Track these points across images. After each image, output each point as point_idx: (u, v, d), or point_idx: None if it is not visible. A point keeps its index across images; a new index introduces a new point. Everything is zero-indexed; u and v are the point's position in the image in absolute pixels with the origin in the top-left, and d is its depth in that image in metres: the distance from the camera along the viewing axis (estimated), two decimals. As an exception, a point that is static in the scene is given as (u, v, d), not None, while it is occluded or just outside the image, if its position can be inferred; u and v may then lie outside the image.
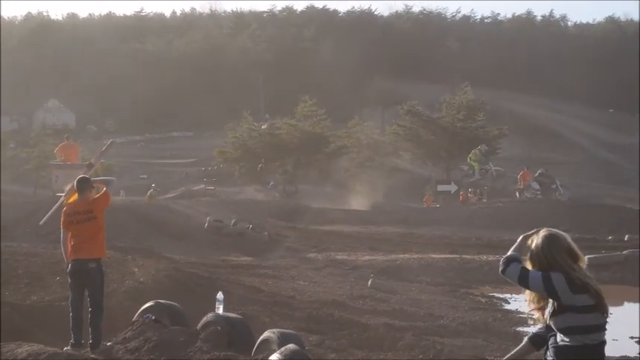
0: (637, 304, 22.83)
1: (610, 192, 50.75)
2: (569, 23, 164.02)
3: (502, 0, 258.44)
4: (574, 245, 6.10)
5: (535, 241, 6.18)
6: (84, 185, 12.61)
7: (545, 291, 5.99)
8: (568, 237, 6.15)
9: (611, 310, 6.18)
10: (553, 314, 6.03)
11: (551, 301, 6.05)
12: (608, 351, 6.13)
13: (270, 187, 57.75)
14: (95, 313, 12.22)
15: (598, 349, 5.98)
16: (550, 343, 6.10)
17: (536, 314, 6.25)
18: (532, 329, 6.64)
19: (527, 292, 6.21)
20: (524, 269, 6.10)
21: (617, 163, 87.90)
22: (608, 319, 6.03)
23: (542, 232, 6.17)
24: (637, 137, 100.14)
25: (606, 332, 6.01)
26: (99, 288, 12.40)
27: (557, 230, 6.20)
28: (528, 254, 6.18)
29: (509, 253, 6.28)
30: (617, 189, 52.22)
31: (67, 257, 12.47)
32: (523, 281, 6.08)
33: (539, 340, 6.33)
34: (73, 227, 12.35)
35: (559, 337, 6.01)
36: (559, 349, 6.00)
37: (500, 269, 6.23)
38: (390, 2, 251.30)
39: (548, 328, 6.17)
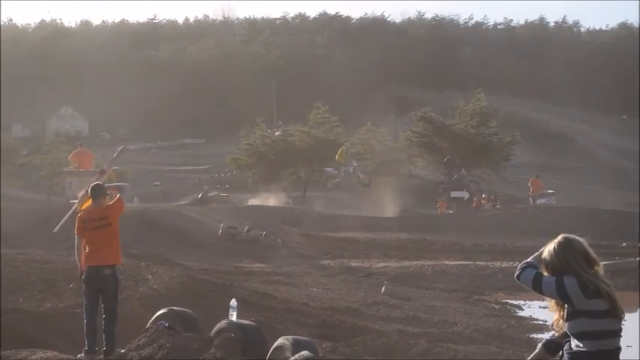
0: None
1: (623, 198, 50.61)
2: (582, 29, 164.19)
3: (516, 1, 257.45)
4: (590, 250, 6.08)
5: (549, 246, 6.18)
6: (98, 192, 12.62)
7: (558, 296, 5.98)
8: (584, 242, 6.13)
9: (626, 316, 6.16)
10: (567, 319, 6.01)
11: (565, 305, 6.04)
12: (624, 358, 6.11)
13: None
14: (109, 319, 12.24)
15: (613, 355, 5.95)
16: (565, 349, 6.08)
17: (559, 325, 6.22)
18: (546, 335, 6.62)
19: (550, 300, 6.19)
20: (539, 274, 6.09)
21: (630, 169, 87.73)
22: (623, 325, 6.00)
23: (558, 238, 6.17)
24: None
25: (621, 338, 5.98)
26: (113, 295, 12.41)
27: (573, 235, 6.19)
28: (544, 256, 6.18)
29: (528, 259, 6.28)
30: (631, 195, 52.07)
31: (80, 264, 12.50)
32: (537, 286, 6.07)
33: (553, 347, 6.31)
34: (87, 234, 12.37)
35: (574, 342, 5.99)
36: (574, 355, 5.98)
37: (516, 274, 6.23)
38: (402, 8, 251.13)
39: (563, 334, 6.16)
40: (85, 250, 12.40)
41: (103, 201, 12.66)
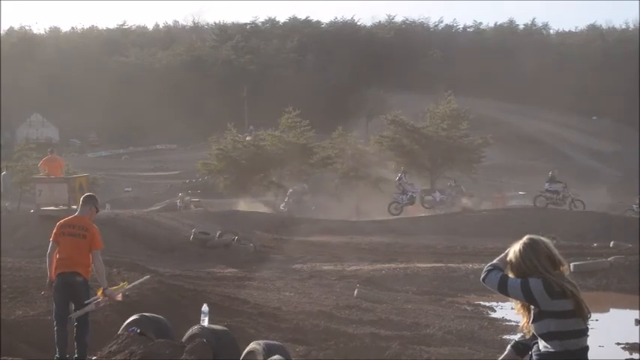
0: (622, 311, 22.92)
1: (594, 199, 50.86)
2: (551, 31, 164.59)
3: (488, 0, 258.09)
4: (555, 251, 6.11)
5: (514, 247, 6.20)
6: (88, 200, 12.72)
7: (524, 297, 6.01)
8: (550, 243, 6.15)
9: (597, 316, 6.22)
10: (534, 320, 6.04)
11: (531, 307, 6.07)
12: (596, 357, 6.13)
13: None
14: (80, 327, 12.20)
15: (580, 355, 5.98)
16: (533, 350, 6.11)
17: (528, 327, 6.24)
18: (517, 336, 6.64)
19: (516, 303, 6.22)
20: (504, 276, 6.12)
21: (601, 170, 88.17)
22: (589, 325, 6.02)
23: (523, 239, 6.19)
24: (621, 145, 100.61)
25: (588, 338, 6.01)
26: (85, 302, 12.37)
27: (538, 236, 6.21)
28: (510, 258, 6.20)
29: (493, 261, 6.29)
30: (602, 196, 52.36)
31: (50, 272, 12.43)
32: (502, 288, 6.10)
33: (522, 348, 6.34)
34: (62, 239, 12.34)
35: (541, 343, 6.01)
36: (542, 356, 6.00)
37: (482, 277, 6.26)
38: (373, 12, 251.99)
39: (533, 335, 6.18)
40: (57, 257, 12.36)
41: (88, 214, 12.67)
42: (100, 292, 12.59)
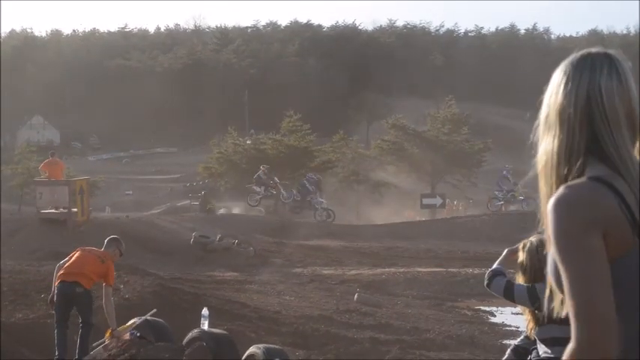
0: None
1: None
2: (552, 36, 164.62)
3: (489, 3, 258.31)
4: None
5: (528, 248, 6.15)
6: (112, 242, 12.87)
7: (530, 302, 5.98)
8: None
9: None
10: (537, 325, 6.01)
11: (536, 312, 6.04)
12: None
13: None
14: (84, 329, 12.28)
15: (580, 361, 5.94)
16: (532, 356, 6.08)
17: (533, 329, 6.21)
18: (516, 341, 6.62)
19: (524, 308, 6.18)
20: (509, 282, 6.09)
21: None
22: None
23: (535, 239, 6.13)
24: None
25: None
26: (87, 308, 12.48)
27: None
28: (521, 261, 6.15)
29: (493, 266, 6.27)
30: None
31: (54, 284, 12.51)
32: (509, 295, 6.06)
33: (522, 352, 6.32)
34: (77, 252, 12.49)
35: (541, 349, 5.99)
36: (541, 362, 5.98)
37: (486, 283, 6.23)
38: (374, 17, 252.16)
39: (533, 340, 6.15)
40: (64, 266, 12.44)
41: (111, 254, 12.78)
42: (108, 334, 12.53)
